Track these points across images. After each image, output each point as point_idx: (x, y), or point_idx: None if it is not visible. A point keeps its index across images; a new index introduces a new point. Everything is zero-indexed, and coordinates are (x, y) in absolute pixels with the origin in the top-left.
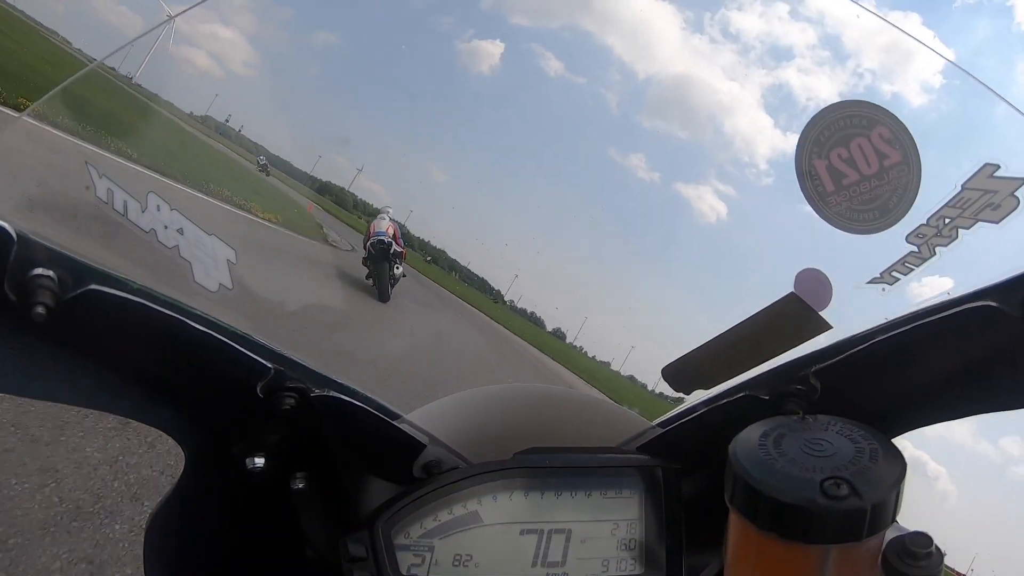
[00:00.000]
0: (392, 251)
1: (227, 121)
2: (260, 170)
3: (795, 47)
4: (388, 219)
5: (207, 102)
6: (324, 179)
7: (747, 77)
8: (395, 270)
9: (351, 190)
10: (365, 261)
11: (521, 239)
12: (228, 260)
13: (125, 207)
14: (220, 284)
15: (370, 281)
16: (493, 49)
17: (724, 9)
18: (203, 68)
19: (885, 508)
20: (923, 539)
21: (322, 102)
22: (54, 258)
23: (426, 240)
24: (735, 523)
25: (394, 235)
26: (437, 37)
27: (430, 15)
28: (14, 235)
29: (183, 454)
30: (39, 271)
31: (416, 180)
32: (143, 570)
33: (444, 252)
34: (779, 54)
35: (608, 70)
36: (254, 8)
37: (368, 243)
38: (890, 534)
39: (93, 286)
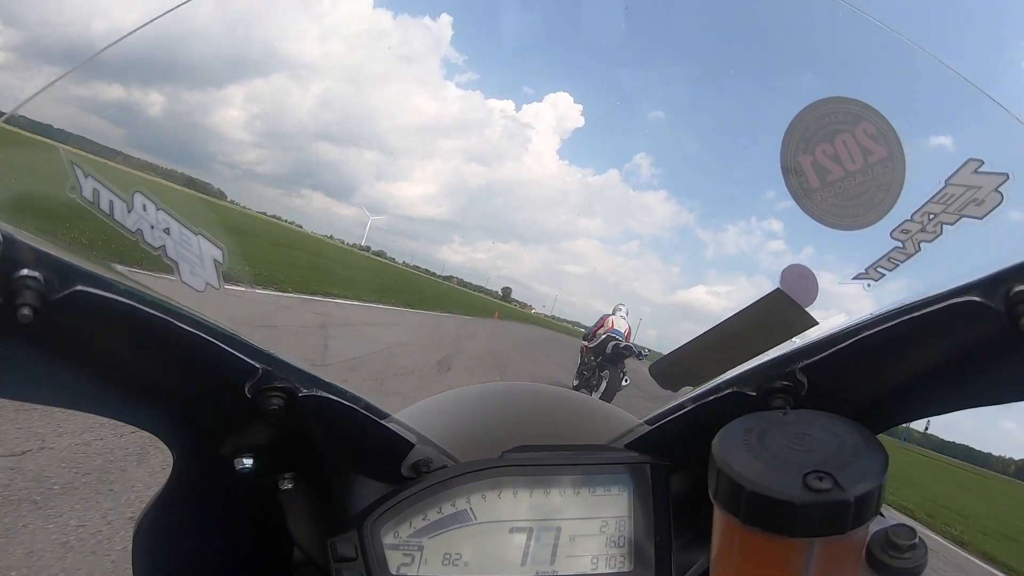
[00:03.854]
0: (628, 356)
1: None
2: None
3: (778, 41)
4: (625, 318)
5: None
6: None
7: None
8: (624, 380)
9: None
10: (587, 351)
11: None
12: (215, 259)
13: (111, 207)
14: (207, 284)
15: (587, 374)
16: None
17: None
18: None
19: (868, 501)
20: (907, 531)
21: None
22: (40, 259)
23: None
24: (719, 518)
25: (627, 335)
26: None
27: None
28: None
29: (171, 456)
30: (25, 272)
31: None
32: (132, 570)
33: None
34: (763, 48)
35: None
36: None
37: (608, 343)
38: (874, 527)
39: (79, 287)
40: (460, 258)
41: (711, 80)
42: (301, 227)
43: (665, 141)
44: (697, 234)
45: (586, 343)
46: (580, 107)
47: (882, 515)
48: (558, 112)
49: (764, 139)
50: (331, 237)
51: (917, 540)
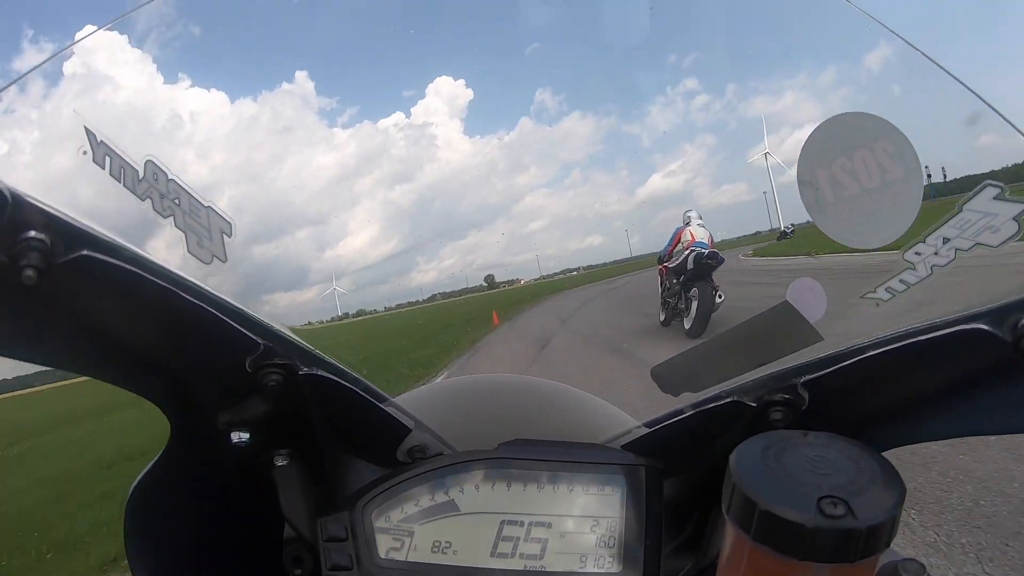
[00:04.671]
0: (716, 264)
1: None
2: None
3: (799, 55)
4: (702, 225)
5: None
6: None
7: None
8: (718, 295)
9: None
10: (667, 274)
11: None
12: (223, 232)
13: (122, 173)
14: (214, 256)
15: (671, 300)
16: None
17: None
18: None
19: (880, 531)
20: (915, 566)
21: None
22: (48, 221)
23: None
24: (730, 532)
25: (710, 243)
26: None
27: None
28: (8, 196)
29: (169, 425)
30: (32, 234)
31: None
32: (123, 536)
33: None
34: (783, 63)
35: None
36: None
37: (689, 255)
38: (884, 558)
39: (85, 252)
40: (432, 275)
41: None
42: None
43: (553, 67)
44: (625, 131)
45: (664, 264)
46: (462, 80)
47: (892, 548)
48: (445, 96)
49: (649, 11)
50: (308, 323)
51: None
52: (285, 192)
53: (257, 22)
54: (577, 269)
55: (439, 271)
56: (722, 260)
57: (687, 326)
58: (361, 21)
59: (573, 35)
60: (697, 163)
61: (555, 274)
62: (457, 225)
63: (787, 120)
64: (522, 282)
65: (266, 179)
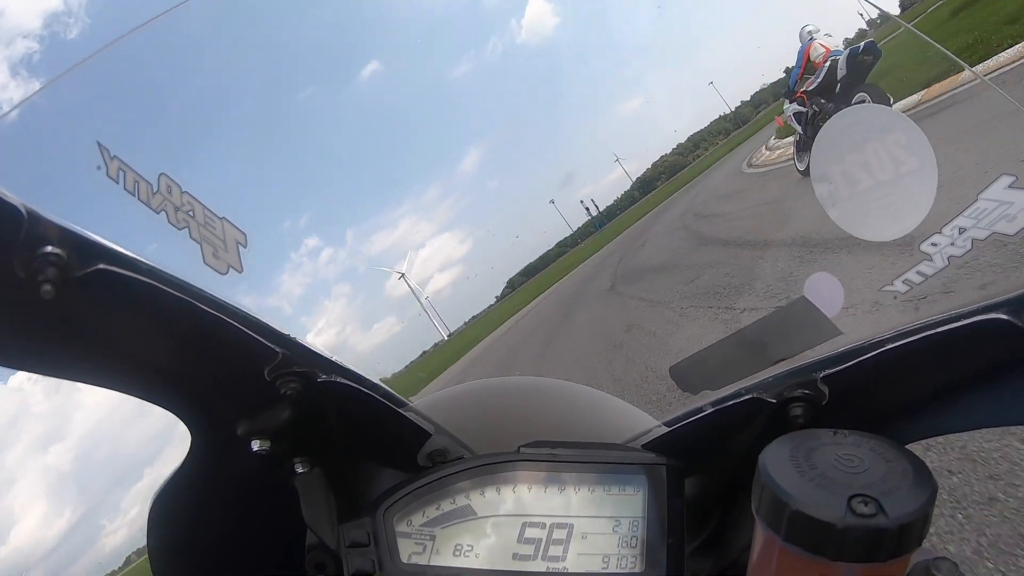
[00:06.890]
0: (875, 56)
1: None
2: None
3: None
4: (829, 34)
5: None
6: None
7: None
8: (890, 99)
9: None
10: (811, 101)
11: None
12: (238, 243)
13: (136, 188)
14: (230, 267)
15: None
16: None
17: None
18: None
19: (911, 530)
20: (948, 565)
21: None
22: (64, 236)
23: None
24: (760, 533)
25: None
26: None
27: None
28: (24, 212)
29: (188, 434)
30: (48, 249)
31: None
32: (147, 548)
33: None
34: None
35: None
36: None
37: (838, 60)
38: (916, 557)
39: (102, 265)
40: (123, 532)
41: None
42: None
43: None
44: (267, 306)
45: (801, 92)
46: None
47: (924, 546)
48: None
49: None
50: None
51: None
52: None
53: None
54: None
55: (128, 525)
56: (880, 52)
57: None
58: None
59: None
60: (341, 314)
61: None
62: (129, 467)
63: (410, 243)
64: None
65: None
